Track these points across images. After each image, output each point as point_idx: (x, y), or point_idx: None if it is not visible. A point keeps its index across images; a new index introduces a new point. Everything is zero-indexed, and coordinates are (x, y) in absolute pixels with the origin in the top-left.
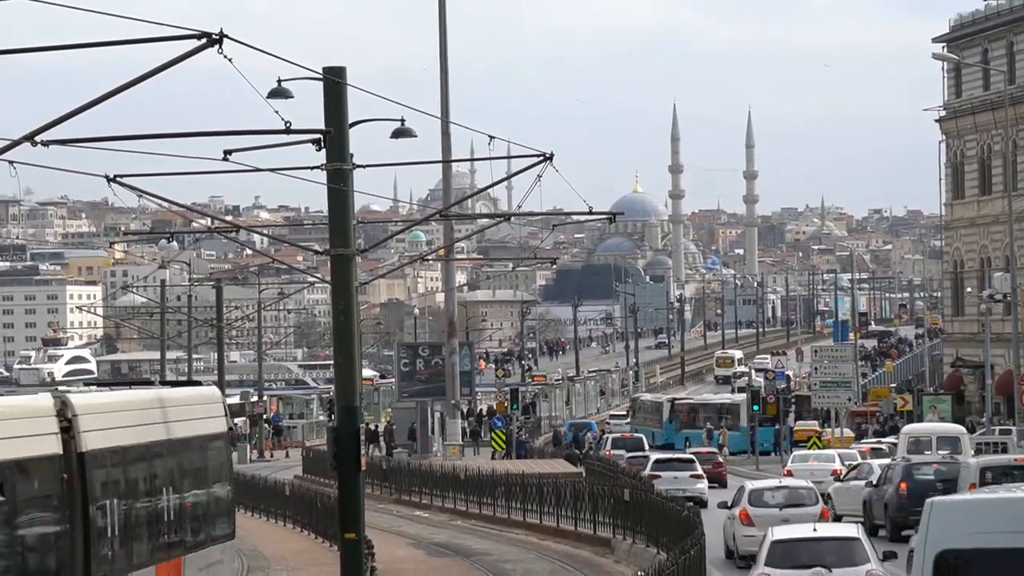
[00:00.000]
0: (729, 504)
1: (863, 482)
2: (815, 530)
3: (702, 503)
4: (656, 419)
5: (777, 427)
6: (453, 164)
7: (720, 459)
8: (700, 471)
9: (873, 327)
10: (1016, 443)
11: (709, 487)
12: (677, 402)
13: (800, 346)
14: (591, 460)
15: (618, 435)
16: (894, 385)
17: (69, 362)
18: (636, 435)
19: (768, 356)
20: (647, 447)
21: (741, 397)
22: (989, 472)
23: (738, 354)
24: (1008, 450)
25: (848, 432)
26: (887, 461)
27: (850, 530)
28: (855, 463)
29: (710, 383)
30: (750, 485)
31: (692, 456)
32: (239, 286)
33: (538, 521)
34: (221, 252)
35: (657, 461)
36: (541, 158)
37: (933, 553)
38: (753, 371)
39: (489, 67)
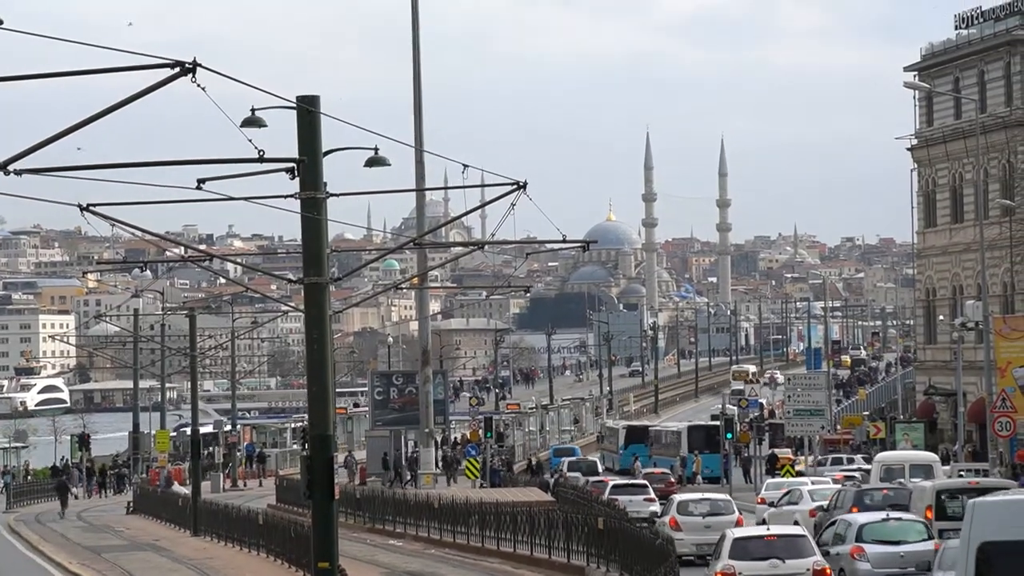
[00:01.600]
0: (660, 514)
1: (795, 506)
2: (768, 529)
3: (652, 522)
4: (615, 445)
5: (724, 454)
6: (427, 192)
7: (672, 479)
8: (652, 494)
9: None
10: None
11: (661, 504)
12: (631, 428)
13: (773, 374)
14: (564, 488)
15: (573, 459)
16: (867, 413)
17: (42, 391)
18: (590, 459)
19: (778, 371)
20: (600, 469)
21: (683, 426)
22: (944, 494)
23: (752, 368)
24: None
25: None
26: (818, 487)
27: (797, 530)
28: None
29: (685, 410)
30: (678, 498)
31: (645, 482)
32: (213, 315)
33: (512, 550)
34: (195, 281)
35: (615, 486)
36: (514, 186)
37: (976, 544)
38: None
39: (463, 96)
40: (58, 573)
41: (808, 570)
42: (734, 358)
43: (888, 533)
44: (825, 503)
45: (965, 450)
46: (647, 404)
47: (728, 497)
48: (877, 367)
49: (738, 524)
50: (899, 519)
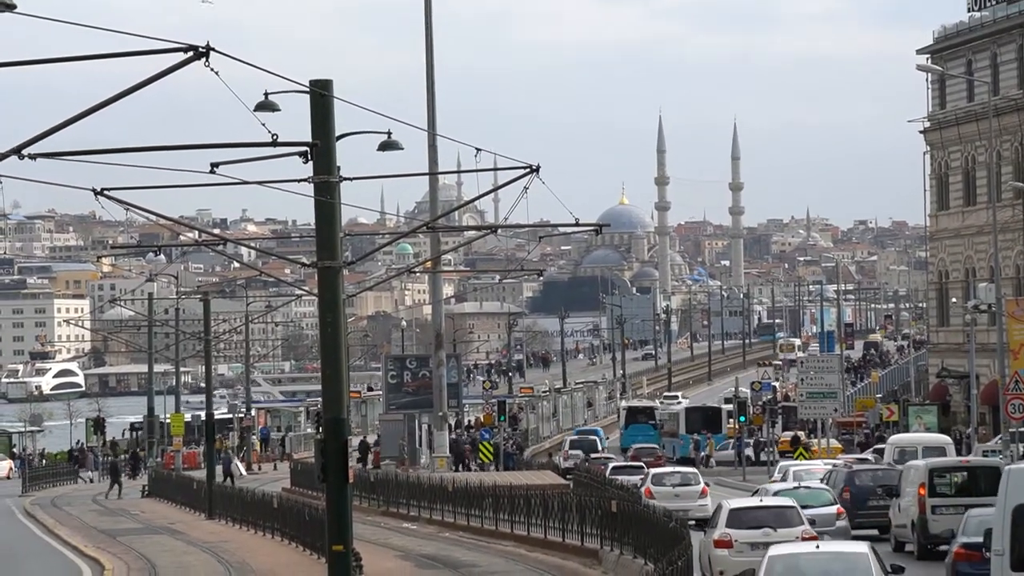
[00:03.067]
0: (639, 485)
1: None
2: (761, 500)
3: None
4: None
5: (694, 437)
6: (440, 176)
7: (659, 454)
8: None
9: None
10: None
11: None
12: (632, 408)
13: (770, 361)
14: (578, 471)
15: (575, 438)
16: (880, 395)
17: (57, 375)
18: (590, 438)
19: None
20: (600, 447)
21: (680, 407)
22: (935, 472)
23: (797, 341)
24: None
25: (835, 443)
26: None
27: (788, 501)
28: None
29: (699, 392)
30: (652, 471)
31: (642, 463)
32: (227, 299)
33: (526, 533)
34: (209, 265)
35: (614, 467)
36: (527, 170)
37: (1012, 507)
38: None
39: (476, 79)
40: (74, 556)
41: (797, 538)
42: (748, 341)
43: (800, 499)
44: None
45: (979, 432)
46: (660, 387)
47: (695, 470)
48: (889, 350)
49: (703, 494)
50: (808, 488)
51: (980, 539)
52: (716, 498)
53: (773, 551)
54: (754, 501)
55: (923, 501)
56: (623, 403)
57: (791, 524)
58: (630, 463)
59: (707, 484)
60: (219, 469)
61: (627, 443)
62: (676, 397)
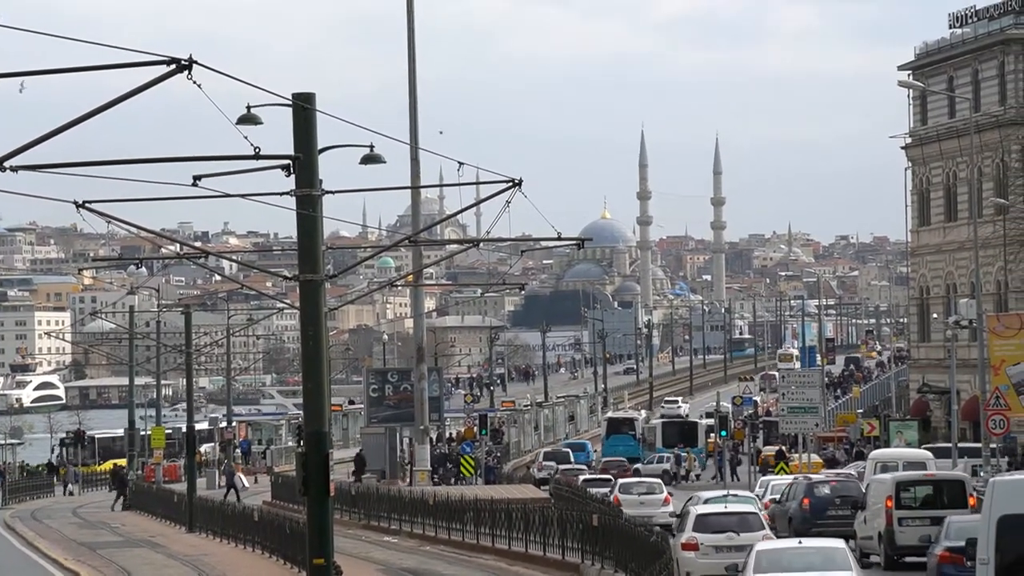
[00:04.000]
0: (608, 493)
1: None
2: (726, 507)
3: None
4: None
5: (675, 451)
6: (422, 190)
7: (627, 466)
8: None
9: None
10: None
11: None
12: (612, 419)
13: (768, 371)
14: (559, 485)
15: (548, 450)
16: (861, 411)
17: (37, 388)
18: (563, 450)
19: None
20: (572, 459)
21: (657, 421)
22: (901, 486)
23: (795, 352)
24: None
25: (816, 458)
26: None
27: (751, 508)
28: None
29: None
30: (620, 481)
31: (611, 475)
32: (208, 312)
33: (507, 547)
34: (190, 278)
35: (585, 480)
36: (510, 184)
37: (996, 517)
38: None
39: (458, 93)
40: (54, 569)
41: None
42: (728, 356)
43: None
44: (778, 496)
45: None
46: (641, 401)
47: (659, 481)
48: (870, 366)
49: (665, 502)
50: (736, 495)
51: (962, 543)
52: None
53: (760, 546)
54: (719, 507)
55: (890, 513)
56: (605, 414)
57: (753, 529)
58: (599, 475)
59: (670, 493)
60: (222, 482)
61: (608, 453)
62: (676, 402)
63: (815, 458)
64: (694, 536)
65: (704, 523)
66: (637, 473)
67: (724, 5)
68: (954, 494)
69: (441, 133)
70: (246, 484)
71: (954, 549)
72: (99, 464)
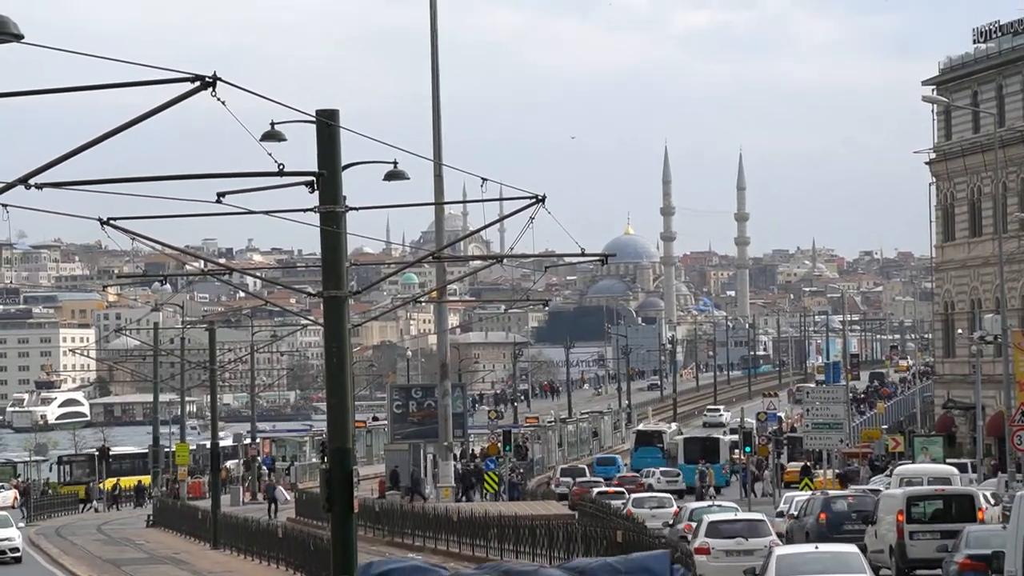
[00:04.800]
0: (622, 506)
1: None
2: (736, 515)
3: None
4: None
5: (699, 467)
6: (445, 206)
7: (640, 481)
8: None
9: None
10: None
11: None
12: (640, 432)
13: (792, 387)
14: (583, 501)
15: (565, 466)
16: (886, 426)
17: (62, 405)
18: (580, 466)
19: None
20: (587, 473)
21: (679, 437)
22: (912, 500)
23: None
24: None
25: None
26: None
27: (758, 515)
28: None
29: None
30: (633, 496)
31: (624, 489)
32: (232, 328)
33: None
34: (214, 295)
35: (599, 492)
36: (533, 200)
37: None
38: None
39: (482, 109)
40: None
41: (766, 546)
42: (752, 371)
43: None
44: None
45: (987, 464)
46: (665, 417)
47: (669, 495)
48: (895, 381)
49: (675, 515)
50: (720, 506)
51: (983, 551)
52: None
53: (779, 551)
54: (730, 515)
55: (901, 527)
56: (633, 428)
57: (761, 535)
58: (614, 488)
59: (678, 507)
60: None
61: (637, 465)
62: (718, 410)
63: (792, 467)
64: (706, 541)
65: (716, 530)
66: (650, 488)
67: (744, 19)
68: (963, 508)
69: (573, 138)
70: (287, 497)
71: (975, 557)
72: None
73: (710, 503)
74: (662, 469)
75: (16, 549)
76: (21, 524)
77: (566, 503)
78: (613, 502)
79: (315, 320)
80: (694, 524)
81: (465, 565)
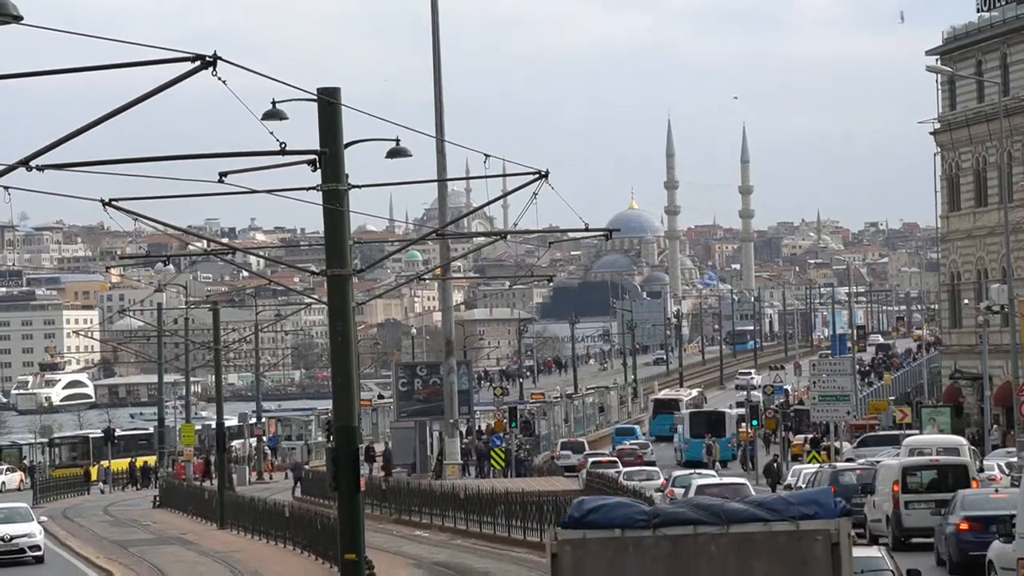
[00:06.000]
0: (615, 475)
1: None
2: (719, 479)
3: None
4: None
5: (706, 441)
6: (448, 183)
7: (640, 453)
8: (620, 467)
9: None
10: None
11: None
12: (658, 400)
13: (798, 360)
14: (592, 476)
15: (566, 439)
16: (893, 398)
17: (67, 387)
18: (579, 440)
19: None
20: (587, 447)
21: (685, 412)
22: (908, 471)
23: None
24: None
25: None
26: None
27: (741, 480)
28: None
29: (712, 397)
30: (624, 470)
31: (616, 458)
32: (236, 308)
33: (539, 539)
34: (218, 274)
35: (593, 463)
36: (536, 176)
37: None
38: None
39: (483, 85)
40: (86, 567)
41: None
42: (759, 344)
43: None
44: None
45: (1003, 432)
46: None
47: (656, 468)
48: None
49: (662, 486)
50: (699, 473)
51: (981, 513)
52: None
53: None
54: (714, 479)
55: (897, 497)
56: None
57: (745, 496)
58: (607, 458)
59: (665, 479)
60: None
61: (655, 431)
62: (750, 373)
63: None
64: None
65: (702, 492)
66: (680, 464)
67: None
68: (958, 478)
69: (736, 98)
70: None
71: (971, 518)
72: (94, 464)
73: (691, 472)
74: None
75: (37, 547)
76: (43, 518)
77: (568, 475)
78: (606, 471)
79: (319, 299)
80: (676, 489)
81: (473, 542)
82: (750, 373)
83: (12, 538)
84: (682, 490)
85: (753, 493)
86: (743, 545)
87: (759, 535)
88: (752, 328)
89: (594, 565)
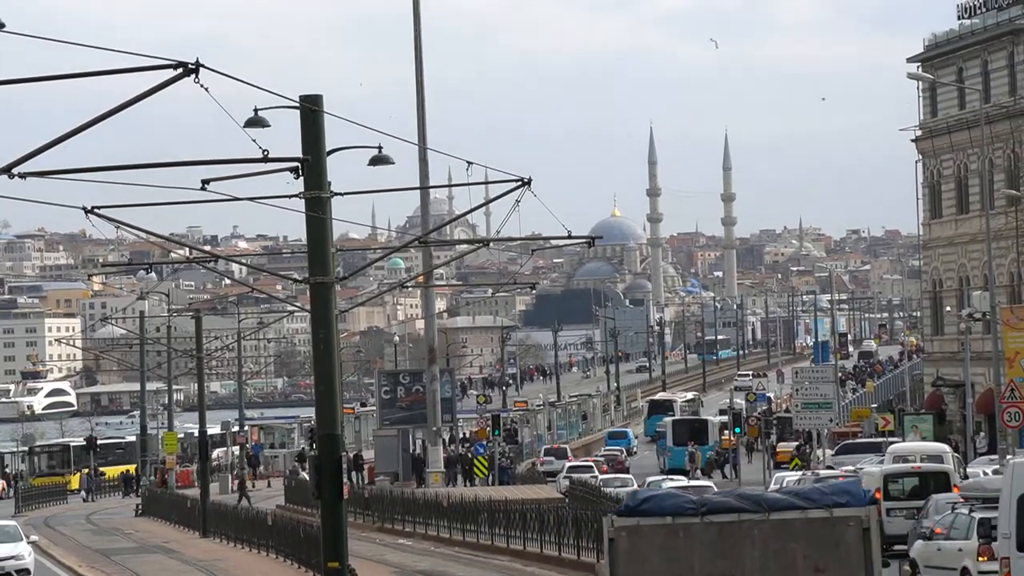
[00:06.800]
0: (592, 479)
1: None
2: (688, 482)
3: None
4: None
5: (688, 449)
6: (431, 190)
7: (621, 460)
8: (596, 472)
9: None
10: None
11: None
12: (653, 401)
13: (781, 367)
14: (575, 484)
15: (549, 445)
16: (875, 405)
17: (49, 395)
18: (562, 446)
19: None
20: (570, 454)
21: (668, 420)
22: (890, 478)
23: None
24: None
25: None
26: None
27: (707, 483)
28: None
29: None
30: (601, 477)
31: (592, 463)
32: (219, 316)
33: (522, 547)
34: (200, 282)
35: (569, 467)
36: (519, 183)
37: (1017, 496)
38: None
39: (466, 93)
40: None
41: None
42: (741, 352)
43: None
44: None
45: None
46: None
47: (631, 476)
48: (885, 359)
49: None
50: (672, 479)
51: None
52: None
53: None
54: (683, 482)
55: (879, 505)
56: (647, 399)
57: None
58: (583, 463)
59: (638, 485)
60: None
61: (651, 431)
62: (748, 375)
63: (784, 447)
64: None
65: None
66: (663, 472)
67: None
68: (939, 484)
69: (712, 41)
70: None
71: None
72: (73, 472)
73: (663, 477)
74: None
75: (26, 571)
76: (34, 538)
77: (551, 481)
78: (580, 475)
79: (302, 307)
80: None
81: (456, 551)
82: (748, 375)
83: None
84: None
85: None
86: (782, 530)
87: (797, 521)
88: (723, 339)
89: (647, 548)
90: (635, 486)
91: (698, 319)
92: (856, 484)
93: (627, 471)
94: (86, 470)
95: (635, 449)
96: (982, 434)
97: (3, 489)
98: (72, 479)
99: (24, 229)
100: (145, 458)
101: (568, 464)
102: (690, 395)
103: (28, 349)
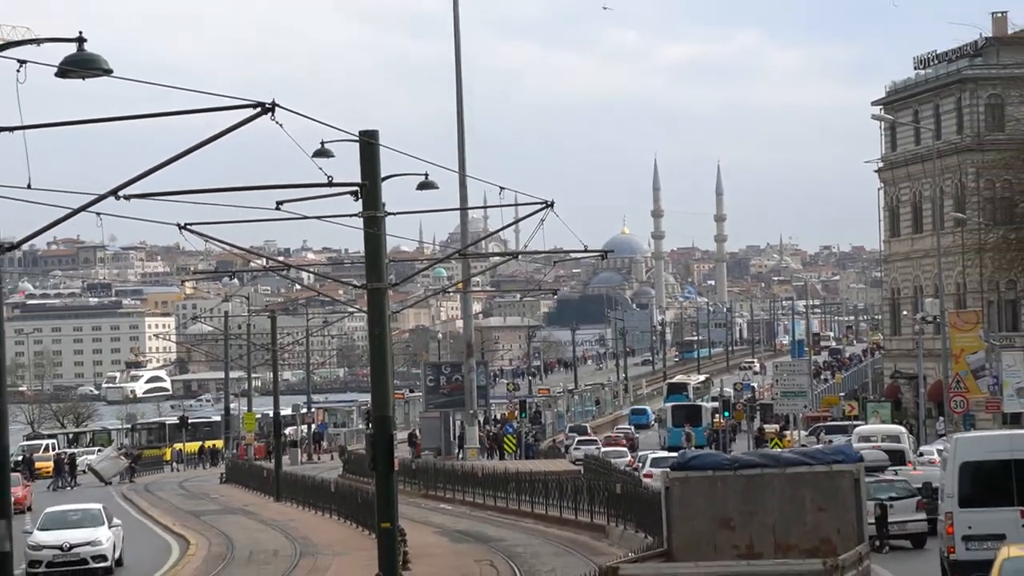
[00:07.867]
0: (596, 451)
1: None
2: (669, 453)
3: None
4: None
5: (685, 429)
6: (469, 211)
7: (632, 435)
8: (599, 444)
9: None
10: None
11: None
12: (671, 384)
13: (763, 362)
14: (588, 459)
15: (571, 424)
16: (843, 394)
17: (148, 381)
18: (583, 425)
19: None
20: (590, 431)
21: (668, 405)
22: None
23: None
24: None
25: (804, 434)
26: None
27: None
28: None
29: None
30: (604, 449)
31: (596, 439)
32: (290, 316)
33: (544, 512)
34: (275, 287)
35: (579, 440)
36: (543, 205)
37: (959, 463)
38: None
39: (499, 128)
40: (164, 533)
41: None
42: (730, 349)
43: None
44: None
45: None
46: (657, 388)
47: (625, 449)
48: (851, 355)
49: (630, 463)
50: (653, 452)
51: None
52: None
53: None
54: (667, 454)
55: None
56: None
57: None
58: (589, 437)
59: (632, 457)
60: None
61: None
62: (753, 362)
63: (769, 428)
64: (650, 471)
65: (656, 463)
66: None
67: (720, 51)
68: (895, 461)
69: (606, 8)
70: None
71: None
72: (169, 446)
73: (651, 451)
74: None
75: (102, 557)
76: (117, 522)
77: (576, 452)
78: (588, 448)
79: (360, 308)
80: (640, 462)
81: (489, 514)
82: (753, 362)
83: (72, 547)
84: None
85: None
86: (795, 480)
87: (807, 474)
88: (699, 339)
89: (693, 494)
90: (628, 458)
91: (694, 320)
92: (850, 447)
93: (635, 447)
94: (179, 445)
95: (653, 423)
96: (942, 418)
97: (120, 455)
98: (167, 452)
99: (128, 242)
100: (228, 435)
101: (578, 439)
102: (702, 377)
103: (131, 343)
